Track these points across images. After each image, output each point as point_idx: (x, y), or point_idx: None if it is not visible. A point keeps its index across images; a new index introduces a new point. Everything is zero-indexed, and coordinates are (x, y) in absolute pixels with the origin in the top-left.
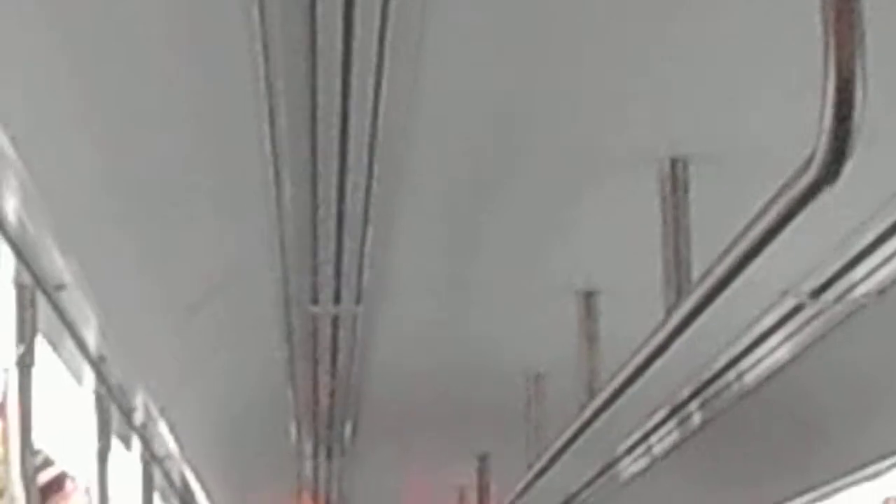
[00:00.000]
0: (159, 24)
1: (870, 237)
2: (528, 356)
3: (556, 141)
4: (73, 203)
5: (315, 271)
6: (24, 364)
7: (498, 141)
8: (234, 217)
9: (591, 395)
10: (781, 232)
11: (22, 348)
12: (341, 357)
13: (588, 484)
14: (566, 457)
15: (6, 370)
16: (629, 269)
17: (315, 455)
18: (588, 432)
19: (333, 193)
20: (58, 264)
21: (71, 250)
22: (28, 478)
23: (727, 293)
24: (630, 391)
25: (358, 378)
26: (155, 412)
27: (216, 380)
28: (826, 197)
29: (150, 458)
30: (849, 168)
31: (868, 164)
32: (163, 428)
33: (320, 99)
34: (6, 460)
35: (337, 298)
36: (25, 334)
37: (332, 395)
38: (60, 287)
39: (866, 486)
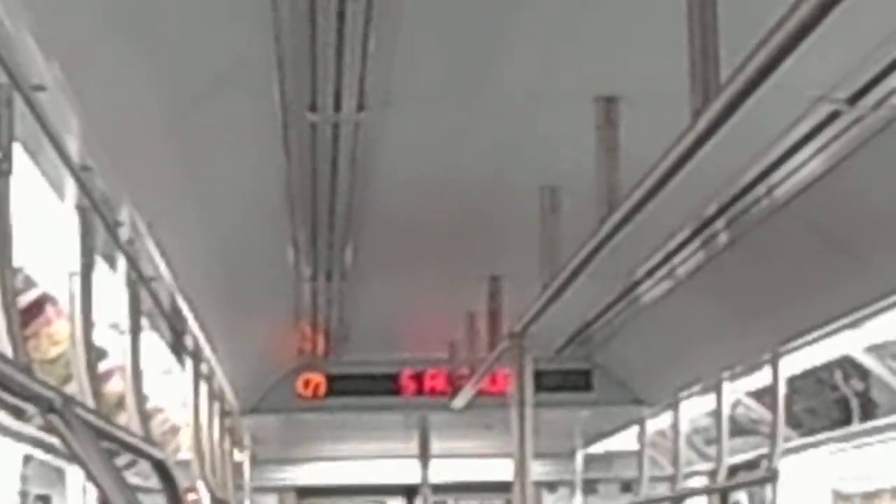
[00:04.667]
0: None
1: None
2: (543, 168)
3: None
4: None
5: (313, 74)
6: (1, 171)
7: None
8: (226, 14)
9: (610, 210)
10: (818, 26)
11: None
12: (342, 169)
13: (606, 308)
14: (582, 278)
15: None
16: (652, 72)
17: (314, 278)
18: (606, 251)
19: None
20: (37, 63)
21: (51, 47)
22: (7, 295)
23: (757, 96)
24: (651, 206)
25: (360, 193)
26: (142, 228)
27: (208, 194)
28: None
29: (138, 279)
30: None
31: None
32: (151, 245)
33: None
34: None
35: (337, 105)
36: (2, 139)
37: (331, 211)
38: (39, 88)
39: None
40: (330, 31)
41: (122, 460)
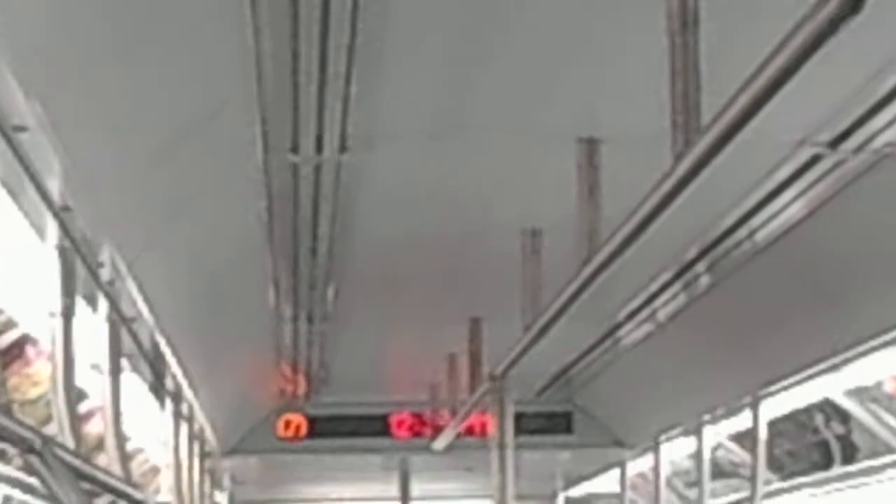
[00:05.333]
0: None
1: (894, 81)
2: (524, 211)
3: None
4: (34, 37)
5: (295, 116)
6: None
7: None
8: (208, 54)
9: (591, 252)
10: (799, 70)
11: None
12: (323, 211)
13: (587, 351)
14: (563, 321)
15: None
16: (634, 115)
17: (295, 319)
18: (587, 294)
19: (316, 27)
20: (18, 103)
21: (32, 88)
22: None
23: (739, 139)
24: (633, 248)
25: (341, 234)
26: (123, 269)
27: (189, 235)
28: (847, 32)
29: (118, 320)
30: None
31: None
32: (132, 286)
33: None
34: None
35: (319, 146)
36: None
37: (313, 252)
38: (21, 129)
39: (881, 355)
40: (312, 73)
41: (101, 501)
